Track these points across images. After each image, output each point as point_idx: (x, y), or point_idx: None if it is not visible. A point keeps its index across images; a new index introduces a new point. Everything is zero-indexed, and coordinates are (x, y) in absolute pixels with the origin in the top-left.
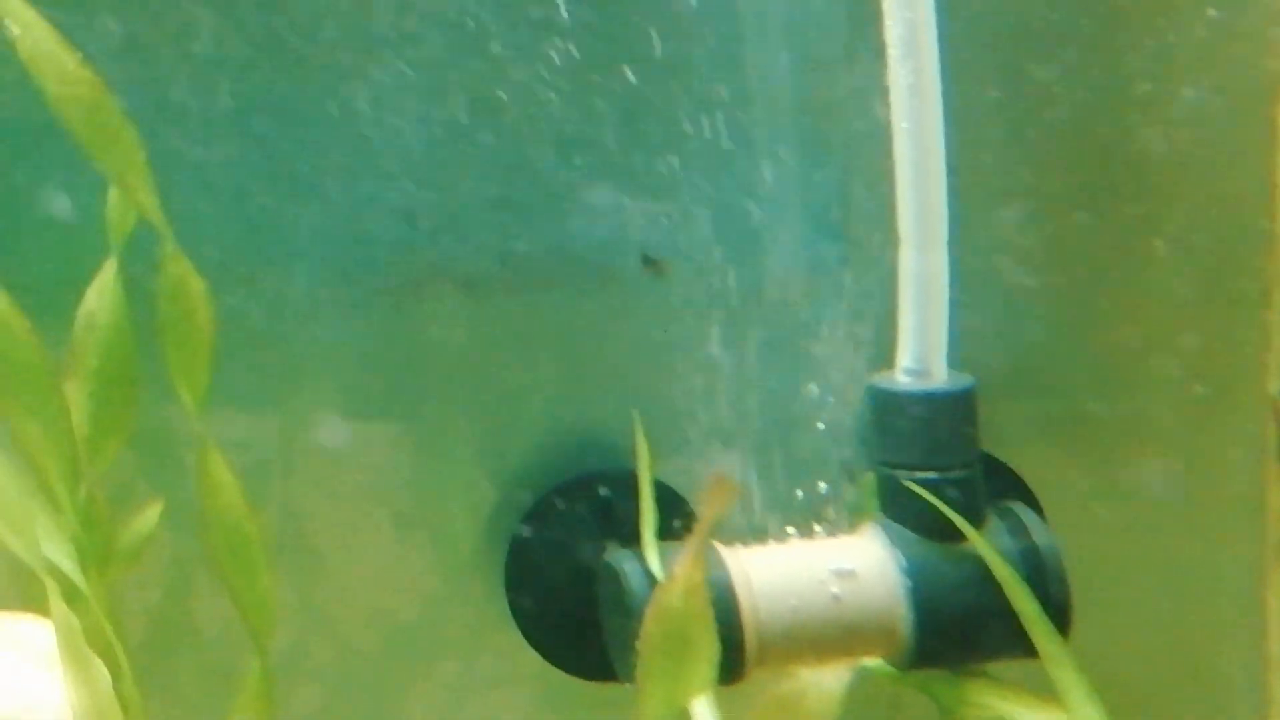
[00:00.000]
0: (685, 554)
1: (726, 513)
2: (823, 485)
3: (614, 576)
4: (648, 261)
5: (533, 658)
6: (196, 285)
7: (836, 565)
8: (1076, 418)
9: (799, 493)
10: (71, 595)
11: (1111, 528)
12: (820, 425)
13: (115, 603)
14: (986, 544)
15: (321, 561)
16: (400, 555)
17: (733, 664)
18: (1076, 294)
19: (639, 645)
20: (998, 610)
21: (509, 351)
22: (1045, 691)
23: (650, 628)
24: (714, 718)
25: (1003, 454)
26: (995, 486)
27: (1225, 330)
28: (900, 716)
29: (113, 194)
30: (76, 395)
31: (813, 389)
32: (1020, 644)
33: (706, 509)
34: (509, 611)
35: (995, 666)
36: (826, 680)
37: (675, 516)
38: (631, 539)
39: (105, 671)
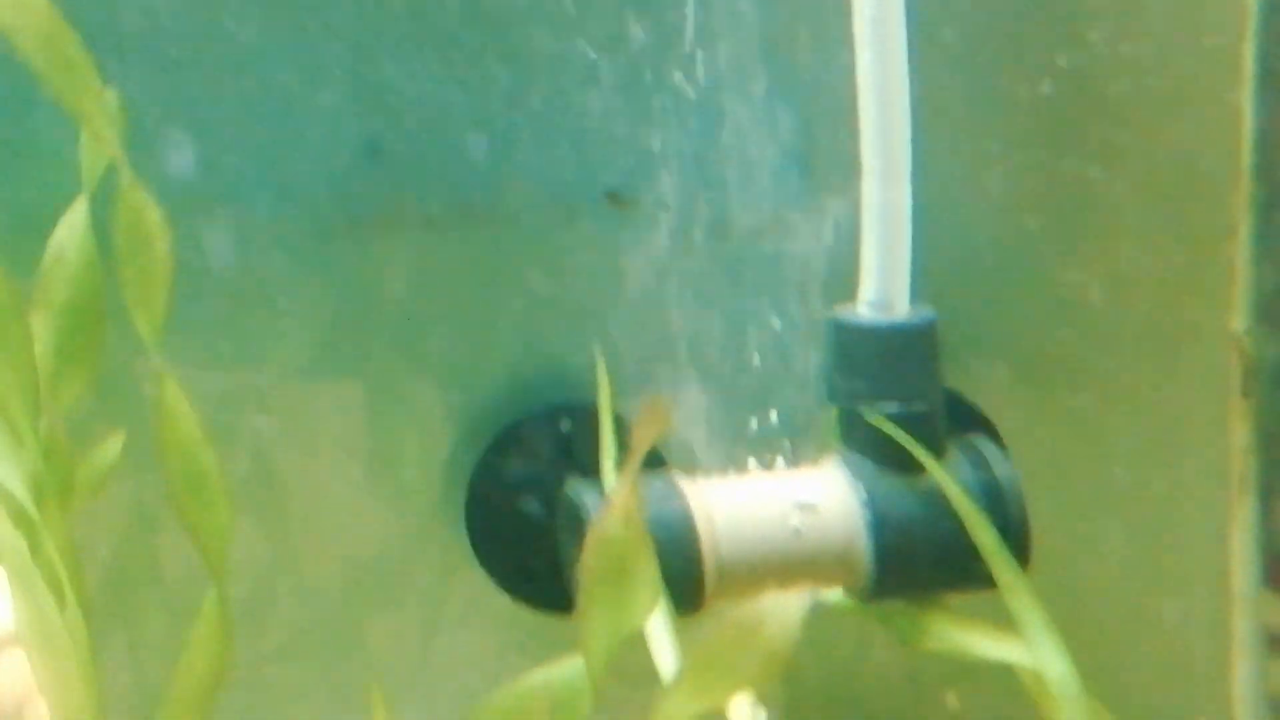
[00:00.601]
0: (620, 480)
1: (661, 436)
2: (785, 418)
3: (573, 508)
4: (612, 197)
5: (500, 598)
6: (153, 215)
7: (797, 498)
8: (1039, 355)
9: (761, 426)
10: (20, 520)
11: (1074, 464)
12: (784, 359)
13: (72, 536)
14: (947, 476)
15: (283, 501)
16: (363, 493)
17: (692, 596)
18: (1039, 231)
19: (579, 576)
20: (958, 542)
21: (471, 287)
22: (1005, 624)
23: (590, 558)
24: (670, 642)
25: (965, 392)
26: (957, 421)
27: (1189, 267)
28: (866, 654)
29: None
30: (42, 329)
31: (776, 323)
32: (980, 576)
33: (640, 433)
34: (469, 541)
35: (956, 599)
36: (786, 605)
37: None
38: (593, 472)
39: (51, 598)
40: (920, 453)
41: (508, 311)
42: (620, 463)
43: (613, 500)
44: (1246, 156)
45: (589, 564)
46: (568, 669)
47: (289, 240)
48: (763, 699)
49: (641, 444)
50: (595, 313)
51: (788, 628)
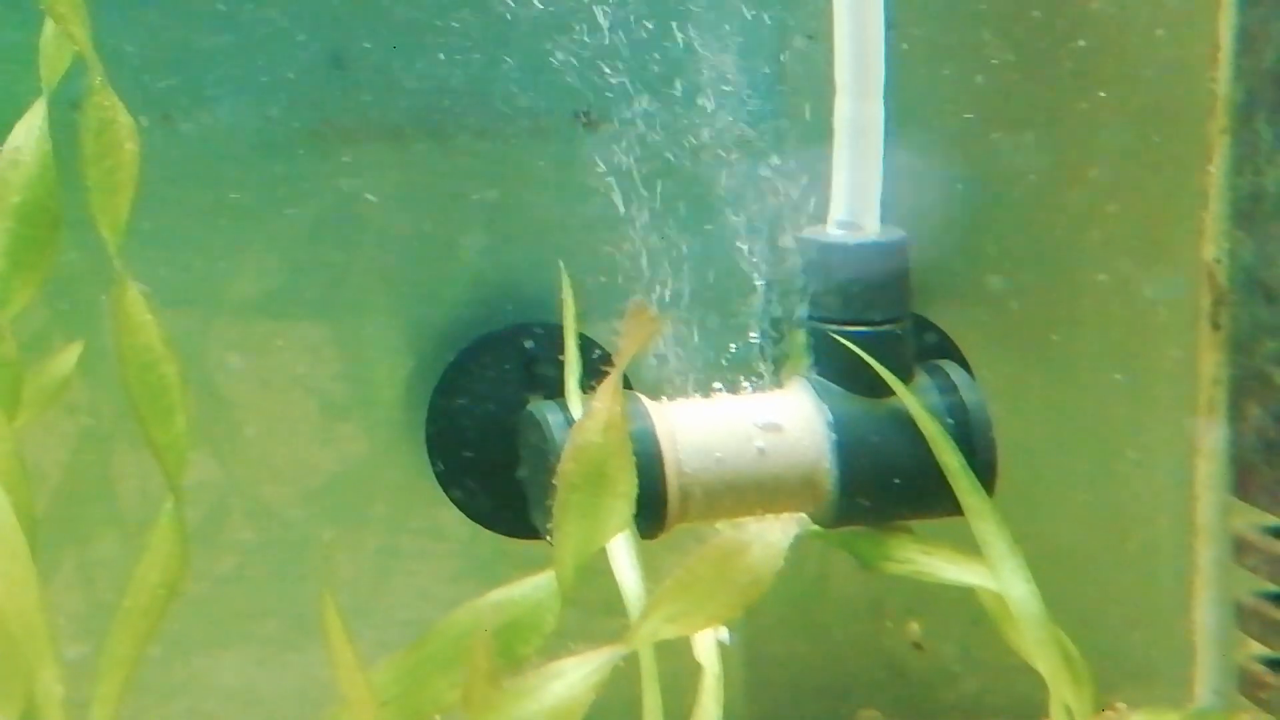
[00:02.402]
0: (603, 388)
1: (647, 345)
2: (753, 341)
3: (535, 426)
4: (581, 116)
5: (461, 522)
6: (124, 120)
7: (762, 419)
8: (1009, 281)
9: (728, 349)
10: None
11: (1043, 392)
12: (752, 281)
13: (16, 446)
14: (914, 399)
15: (237, 422)
16: (321, 414)
17: (654, 516)
18: (1011, 156)
19: (556, 483)
20: (924, 466)
21: (435, 203)
22: (970, 550)
23: (567, 465)
24: (632, 559)
25: (934, 317)
26: (926, 348)
27: (1162, 194)
28: (828, 580)
29: (48, 26)
30: None
31: (744, 245)
32: (945, 501)
33: (626, 341)
34: (430, 469)
35: (921, 524)
36: (772, 532)
37: (602, 370)
38: (556, 393)
39: (6, 503)
40: (887, 375)
41: (472, 229)
42: (584, 383)
43: (595, 407)
44: (1223, 76)
45: (566, 472)
46: (533, 586)
47: (249, 152)
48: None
49: (628, 349)
50: (561, 233)
51: (771, 557)
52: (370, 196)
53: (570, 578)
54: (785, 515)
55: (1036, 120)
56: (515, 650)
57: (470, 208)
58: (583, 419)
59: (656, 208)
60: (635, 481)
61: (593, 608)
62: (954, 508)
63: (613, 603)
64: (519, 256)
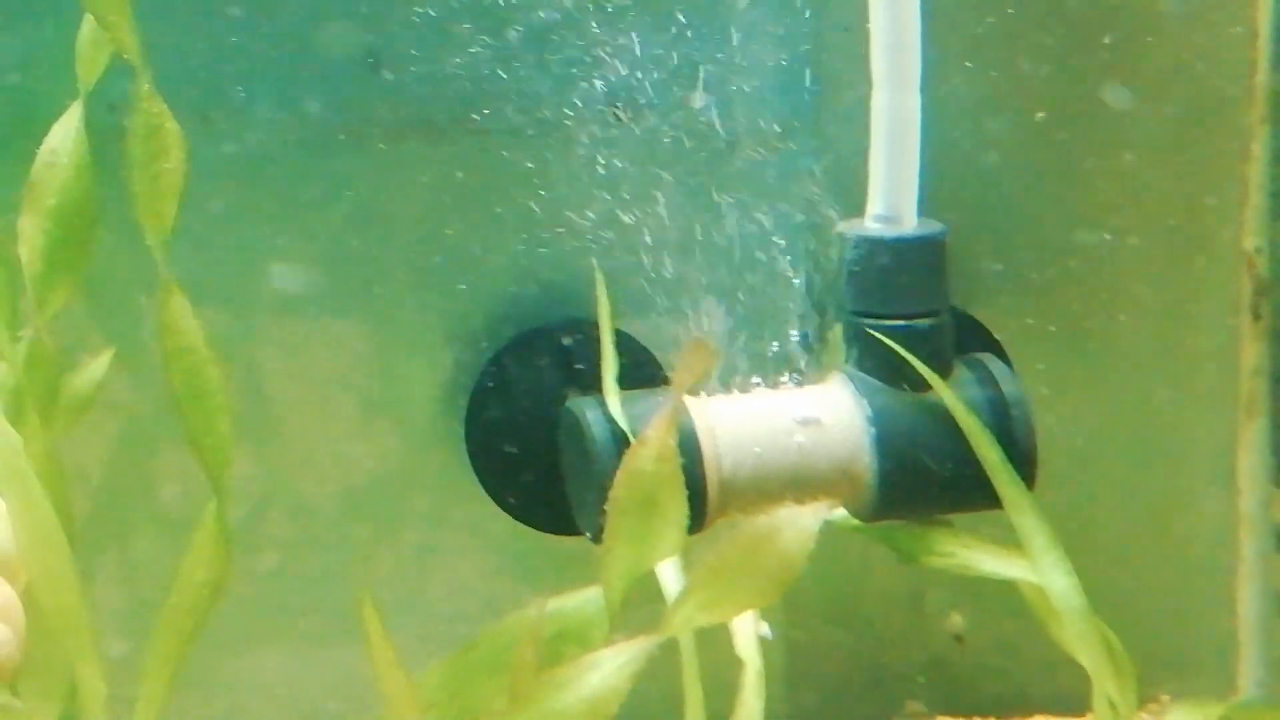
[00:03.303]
0: (659, 416)
1: (703, 378)
2: (792, 336)
3: (575, 424)
4: (614, 109)
5: (500, 519)
6: (170, 125)
7: (802, 414)
8: (1048, 272)
9: (767, 344)
10: None
11: (1082, 385)
12: (790, 276)
13: (54, 448)
14: (952, 393)
15: (279, 422)
16: (360, 413)
17: (695, 512)
18: (1049, 147)
19: (607, 507)
20: (963, 459)
21: (471, 200)
22: (1010, 543)
23: (619, 490)
24: (679, 578)
25: (973, 310)
26: (964, 339)
27: (1201, 184)
28: (868, 573)
29: (86, 27)
30: (31, 232)
31: (782, 240)
32: (985, 494)
33: (683, 373)
34: (470, 465)
35: (960, 518)
36: (802, 518)
37: (640, 368)
38: (594, 388)
39: (46, 499)
40: (926, 369)
41: (508, 225)
42: (622, 380)
43: (649, 436)
44: (1263, 65)
45: (617, 497)
46: (582, 599)
47: (288, 152)
48: (764, 616)
49: (683, 381)
50: (597, 227)
51: (802, 541)
52: (405, 194)
53: (618, 599)
54: (819, 504)
55: (1073, 110)
56: (560, 660)
57: (505, 204)
58: (637, 445)
59: (692, 203)
60: (686, 509)
61: (631, 600)
62: (994, 501)
63: (651, 593)
64: (555, 253)
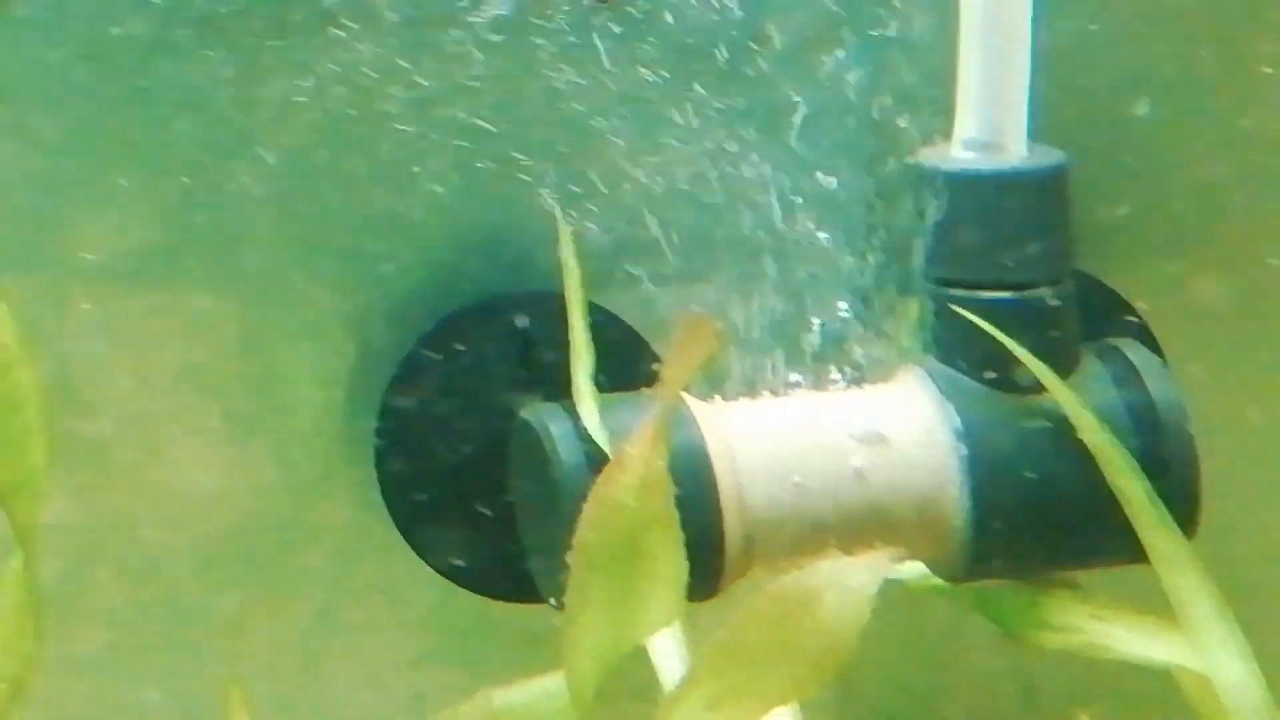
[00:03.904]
0: (642, 427)
1: (703, 367)
2: (843, 312)
3: (533, 442)
4: None
5: (426, 586)
6: None
7: (861, 427)
8: (1210, 226)
9: (808, 325)
10: None
11: (1261, 385)
12: (836, 230)
13: None
14: (1078, 395)
15: (110, 447)
16: (227, 435)
17: (706, 571)
18: (1200, 64)
19: (571, 560)
20: (1092, 492)
21: (384, 120)
22: (1160, 611)
23: (586, 534)
24: (678, 660)
25: (1108, 279)
26: (1096, 321)
27: None
28: (959, 653)
29: None
30: None
31: (826, 179)
32: (1124, 543)
33: (675, 363)
34: (383, 504)
35: (1087, 577)
36: (854, 574)
37: (631, 361)
38: (560, 391)
39: None
40: (1039, 362)
41: (436, 160)
42: (602, 379)
43: (628, 455)
44: None
45: (584, 545)
46: (539, 691)
47: (114, 56)
48: (807, 709)
49: (676, 376)
50: (560, 165)
51: (855, 609)
52: (278, 123)
53: (589, 693)
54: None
55: (1223, 84)
56: None
57: (430, 126)
58: (611, 470)
59: (697, 123)
60: (684, 559)
61: (609, 692)
62: (1137, 552)
63: (639, 682)
64: (505, 197)
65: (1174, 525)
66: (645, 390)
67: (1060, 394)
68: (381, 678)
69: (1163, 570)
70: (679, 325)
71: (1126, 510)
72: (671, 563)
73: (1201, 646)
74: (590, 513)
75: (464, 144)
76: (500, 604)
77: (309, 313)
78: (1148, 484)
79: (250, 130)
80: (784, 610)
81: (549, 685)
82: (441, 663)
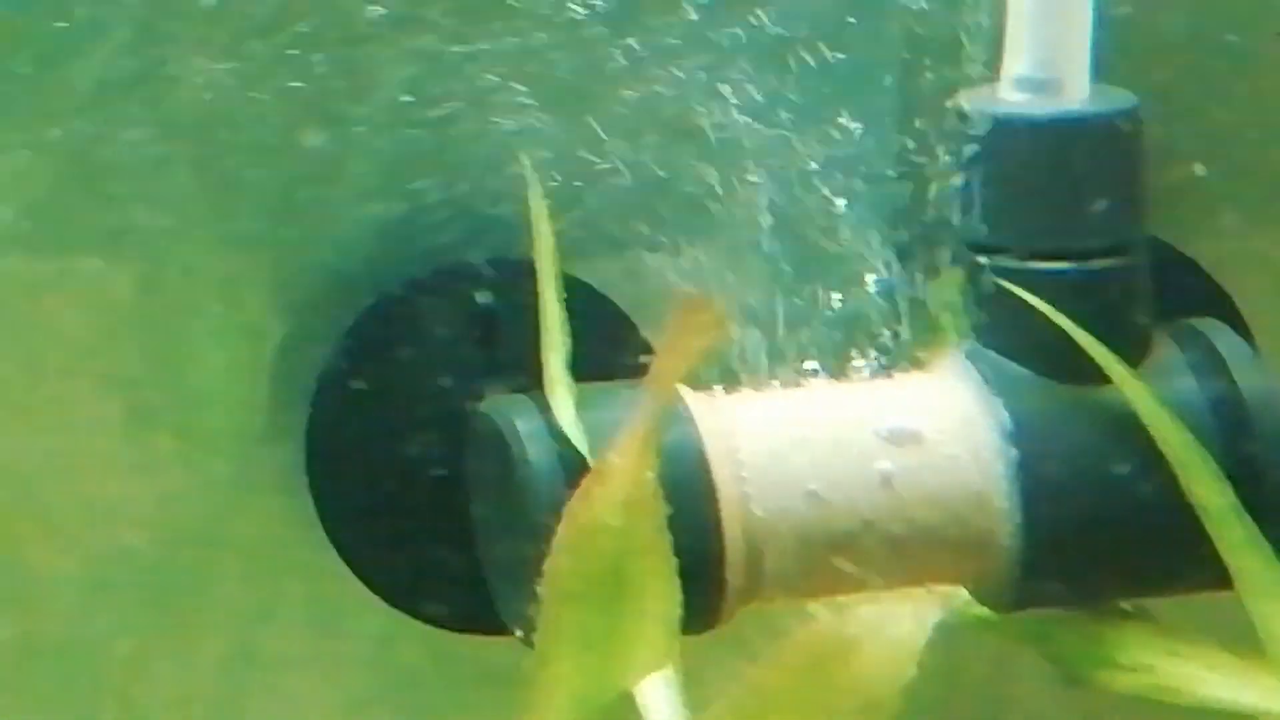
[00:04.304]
0: (629, 432)
1: (703, 357)
2: (870, 285)
3: (495, 442)
4: None
5: (370, 615)
6: None
7: (890, 424)
8: None
9: (826, 301)
10: None
11: None
12: (857, 185)
13: None
14: (1150, 389)
15: None
16: (125, 438)
17: (704, 597)
18: None
19: (542, 589)
20: (1167, 504)
21: (309, 57)
22: (1250, 647)
23: (561, 560)
24: (674, 706)
25: (1189, 249)
26: (1175, 296)
27: None
28: (1010, 696)
29: None
30: None
31: (849, 125)
32: (1205, 566)
33: (669, 354)
34: (316, 516)
35: (1162, 606)
36: (900, 621)
37: (614, 346)
38: (528, 381)
39: None
40: (1103, 351)
41: (375, 107)
42: (579, 364)
43: (610, 466)
44: None
45: (557, 572)
46: None
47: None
48: None
49: (671, 367)
50: (528, 107)
51: (899, 661)
52: (184, 73)
53: None
54: (925, 591)
55: None
56: None
57: (367, 68)
58: (589, 484)
59: (686, 59)
60: (678, 592)
61: None
62: (1221, 578)
63: None
64: (461, 148)
65: (1265, 544)
66: (632, 381)
67: (1129, 386)
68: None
69: (1250, 598)
70: (674, 308)
71: (1207, 526)
72: (662, 595)
73: None
74: (566, 535)
75: (416, 84)
76: (455, 635)
77: (225, 286)
78: (1234, 495)
79: (160, 77)
80: (815, 663)
81: None
82: (384, 706)
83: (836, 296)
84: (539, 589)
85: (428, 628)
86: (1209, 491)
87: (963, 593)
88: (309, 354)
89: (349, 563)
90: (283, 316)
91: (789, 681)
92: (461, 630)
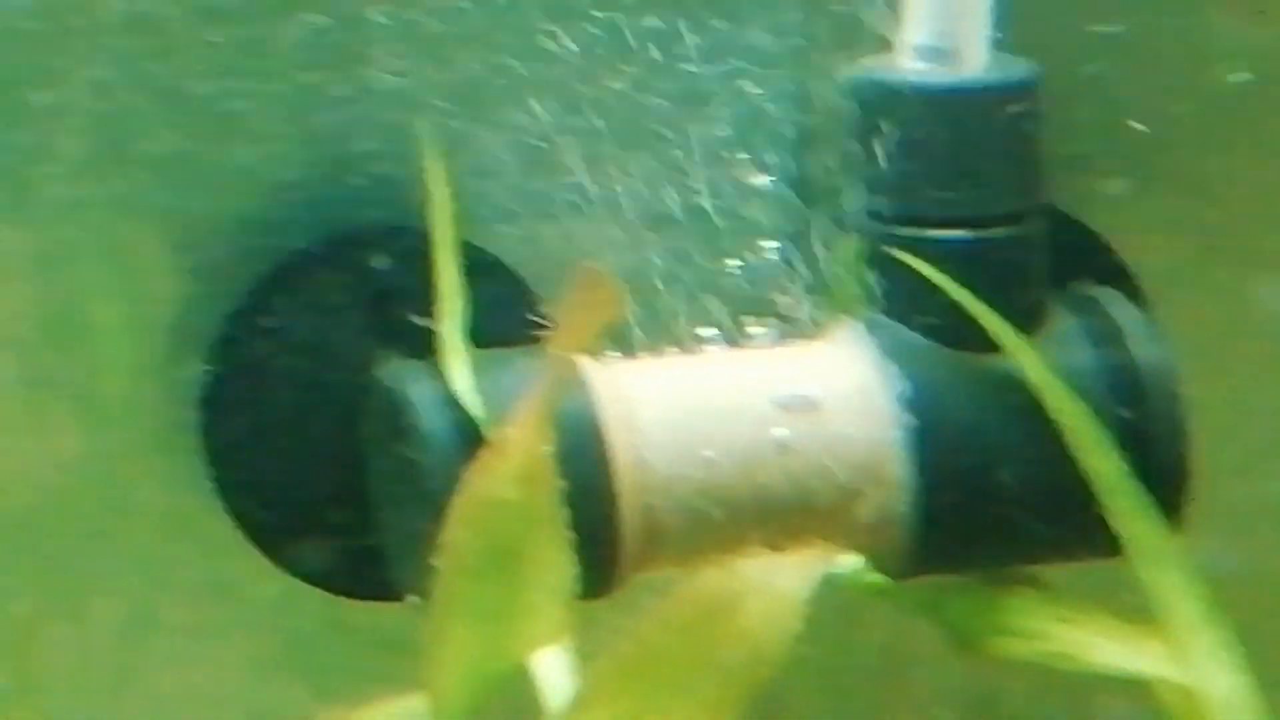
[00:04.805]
0: (526, 406)
1: (600, 332)
2: (767, 252)
3: (390, 407)
4: None
5: (265, 582)
6: None
7: (786, 390)
8: (1210, 156)
9: (726, 269)
10: None
11: (1266, 350)
12: (761, 154)
13: None
14: (1042, 357)
15: None
16: (21, 389)
17: (599, 562)
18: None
19: (439, 560)
20: (1062, 472)
21: (219, 18)
22: (1138, 615)
23: (458, 532)
24: (569, 674)
25: (1086, 218)
26: (1071, 264)
27: None
28: (904, 665)
29: None
30: None
31: (749, 90)
32: (1096, 534)
33: (567, 330)
34: (210, 481)
35: (1056, 573)
36: (784, 575)
37: (511, 311)
38: (424, 347)
39: None
40: (995, 319)
41: (269, 70)
42: (475, 328)
43: (507, 440)
44: None
45: (454, 545)
46: (401, 713)
47: None
48: None
49: (568, 347)
50: (425, 65)
51: (782, 615)
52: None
53: (456, 716)
54: (812, 552)
55: None
56: None
57: (269, 27)
58: (486, 458)
59: (582, 20)
60: (573, 566)
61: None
62: (1112, 545)
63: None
64: (359, 112)
65: (1156, 513)
66: (528, 348)
67: (1021, 355)
68: (208, 690)
69: (1141, 566)
70: (572, 284)
71: (1099, 495)
72: (557, 568)
73: (1186, 656)
74: (462, 508)
75: (311, 48)
76: (351, 602)
77: (119, 249)
78: (1122, 463)
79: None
80: (699, 618)
81: (411, 707)
82: (280, 671)
83: (735, 263)
84: (435, 561)
85: (323, 594)
86: (1099, 460)
87: (857, 559)
88: (205, 319)
89: (243, 529)
90: (179, 281)
91: (674, 636)
92: (357, 597)
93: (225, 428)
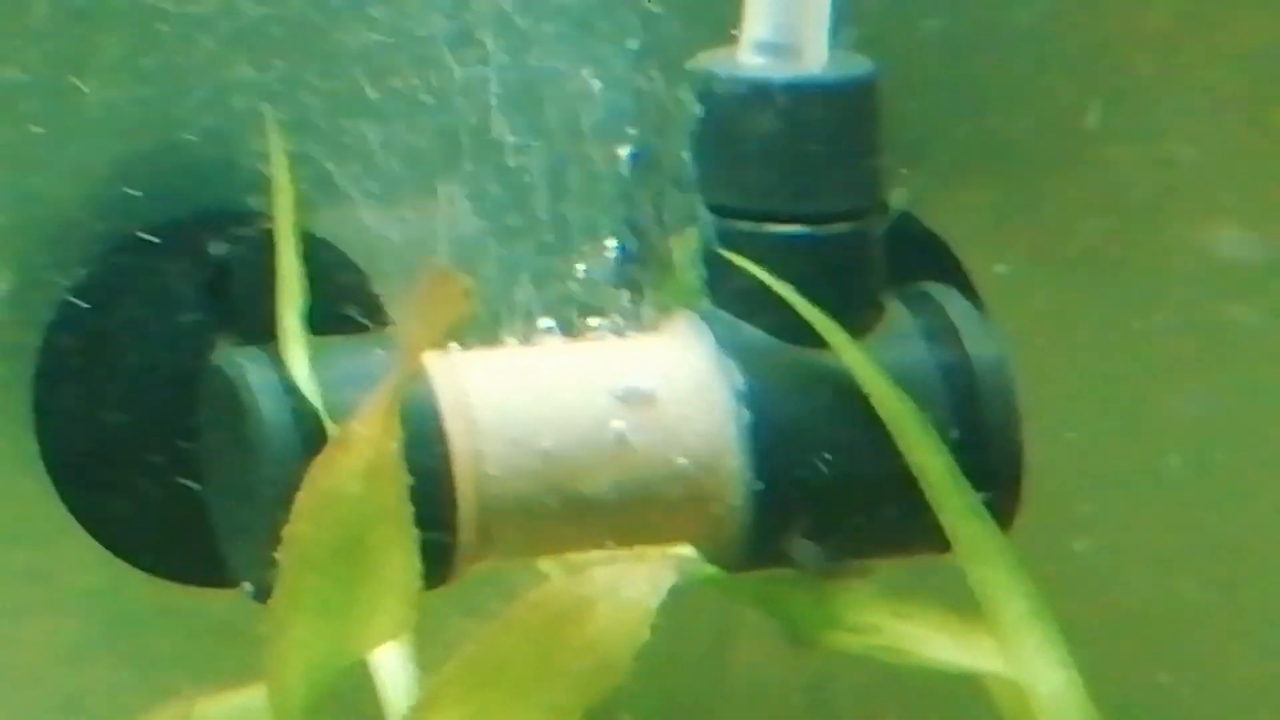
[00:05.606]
0: (373, 402)
1: (448, 330)
2: (607, 249)
3: (227, 395)
4: None
5: (96, 568)
6: None
7: (623, 383)
8: (1039, 159)
9: (560, 259)
10: None
11: (1107, 349)
12: (602, 146)
13: None
14: (868, 355)
15: None
16: None
17: (435, 553)
18: None
19: (280, 555)
20: (892, 468)
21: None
22: (969, 610)
23: (301, 528)
24: (410, 673)
25: (921, 215)
26: (909, 263)
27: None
28: (734, 658)
29: None
30: None
31: (591, 82)
32: (925, 528)
33: (415, 328)
34: (41, 465)
35: (885, 565)
36: (634, 582)
37: (347, 298)
38: (262, 334)
39: None
40: (819, 315)
41: (104, 51)
42: (314, 316)
43: (353, 433)
44: None
45: (297, 538)
46: (239, 707)
47: None
48: None
49: (416, 345)
50: (261, 38)
51: (632, 622)
52: None
53: (295, 712)
54: (659, 551)
55: None
56: None
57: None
58: (331, 452)
59: (424, 7)
60: (417, 562)
61: (325, 706)
62: (939, 540)
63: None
64: (190, 100)
65: (982, 510)
66: (367, 335)
67: (846, 352)
68: (31, 673)
69: (968, 563)
70: (421, 281)
71: (927, 491)
72: (401, 565)
73: (1014, 651)
74: (306, 501)
75: (146, 35)
76: (179, 587)
77: None
78: (949, 459)
79: None
80: (547, 624)
81: (248, 701)
82: (107, 655)
83: (574, 255)
84: (276, 554)
85: (152, 578)
86: (926, 457)
87: (692, 551)
88: (38, 303)
89: (73, 512)
90: (10, 265)
91: (522, 642)
92: (186, 582)
93: (58, 410)
